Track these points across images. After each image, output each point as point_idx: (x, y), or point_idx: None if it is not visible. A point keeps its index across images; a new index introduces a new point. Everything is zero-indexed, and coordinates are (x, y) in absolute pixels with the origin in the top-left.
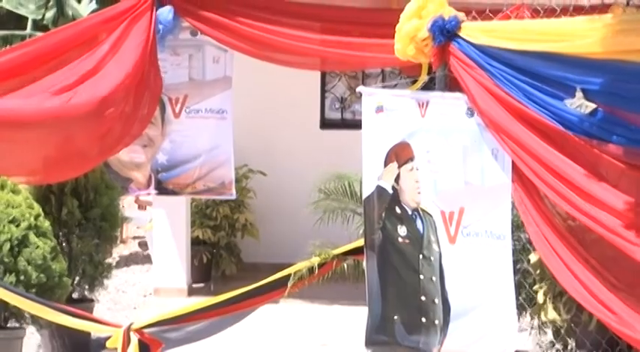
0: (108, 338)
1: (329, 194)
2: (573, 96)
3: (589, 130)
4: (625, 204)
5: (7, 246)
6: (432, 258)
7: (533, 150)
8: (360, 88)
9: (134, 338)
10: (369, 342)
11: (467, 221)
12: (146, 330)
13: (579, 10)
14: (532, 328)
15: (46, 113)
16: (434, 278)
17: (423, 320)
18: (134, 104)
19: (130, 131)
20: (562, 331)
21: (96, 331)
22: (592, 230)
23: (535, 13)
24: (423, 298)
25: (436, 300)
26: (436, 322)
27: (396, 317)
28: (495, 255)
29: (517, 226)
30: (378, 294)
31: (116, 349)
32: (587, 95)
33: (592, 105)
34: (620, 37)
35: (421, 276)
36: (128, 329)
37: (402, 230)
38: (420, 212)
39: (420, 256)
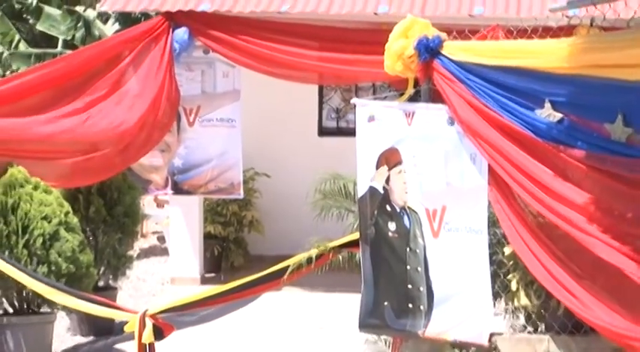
0: (126, 323)
1: (326, 194)
2: (542, 106)
3: (556, 137)
4: (587, 202)
5: (40, 240)
6: (417, 251)
7: (508, 155)
8: (354, 100)
9: (149, 323)
10: (362, 325)
11: (448, 218)
12: (160, 316)
13: (548, 30)
14: (506, 312)
15: (74, 133)
16: (419, 269)
17: (410, 305)
18: (154, 114)
19: (150, 139)
20: (533, 315)
21: (114, 317)
22: (559, 226)
23: (509, 33)
24: (409, 286)
25: (421, 288)
26: (421, 307)
27: (386, 303)
28: (473, 247)
29: (493, 222)
30: (370, 282)
31: (133, 333)
32: (555, 106)
33: (559, 115)
34: (585, 55)
35: (408, 267)
36: (144, 315)
37: (391, 225)
38: (408, 210)
39: (407, 249)
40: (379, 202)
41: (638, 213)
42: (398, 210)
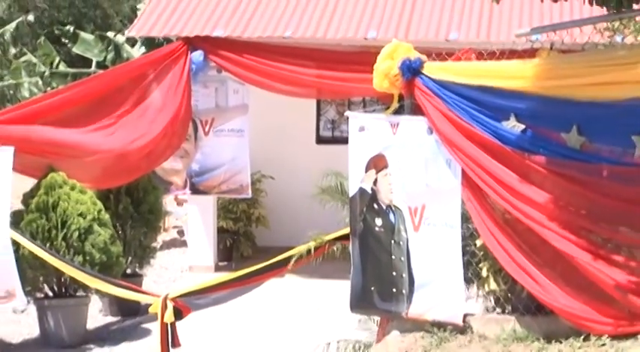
0: (149, 305)
1: (324, 189)
2: (508, 118)
3: (520, 145)
4: (547, 201)
5: (76, 233)
6: (401, 243)
7: (478, 161)
8: (347, 113)
9: (170, 305)
10: (352, 307)
11: (427, 214)
12: (179, 299)
13: (514, 53)
14: (478, 296)
15: (105, 141)
16: (402, 258)
17: (394, 290)
18: (173, 125)
19: (170, 146)
20: (501, 299)
21: (140, 300)
22: (523, 222)
23: (480, 55)
24: (393, 273)
25: (403, 275)
26: (403, 292)
27: (373, 288)
28: (448, 240)
29: (466, 218)
30: (359, 270)
31: (156, 314)
32: (519, 118)
33: (522, 126)
34: (545, 74)
35: (393, 257)
36: (165, 299)
37: (378, 221)
38: (392, 207)
39: (392, 241)
40: (368, 201)
41: (590, 210)
42: (384, 208)
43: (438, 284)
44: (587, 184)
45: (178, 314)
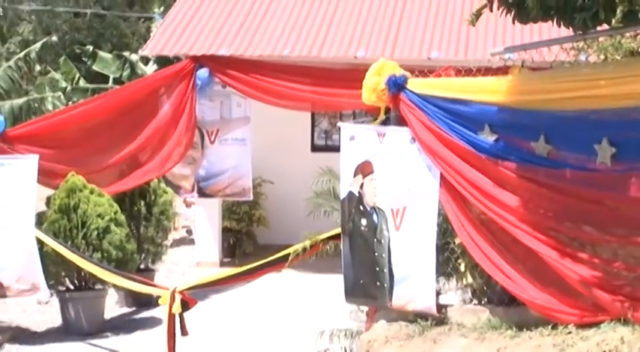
0: (159, 297)
1: (319, 193)
2: (483, 129)
3: (494, 153)
4: (518, 204)
5: (95, 233)
6: (382, 241)
7: (456, 167)
8: (339, 124)
9: (177, 298)
10: (347, 297)
11: (408, 215)
12: (187, 292)
13: (489, 70)
14: (457, 289)
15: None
16: (384, 255)
17: (378, 283)
18: (181, 134)
19: (178, 153)
20: (477, 291)
21: (152, 293)
22: (496, 222)
23: (458, 72)
24: (377, 269)
25: (385, 270)
26: (385, 285)
27: (362, 281)
28: (425, 239)
29: (444, 219)
30: (349, 266)
31: (165, 305)
32: (493, 128)
33: (495, 136)
34: (516, 89)
35: (376, 254)
36: (174, 291)
37: (364, 221)
38: (376, 209)
39: (375, 240)
40: (355, 203)
41: (556, 211)
42: (369, 209)
43: (415, 279)
44: (553, 188)
45: (185, 305)
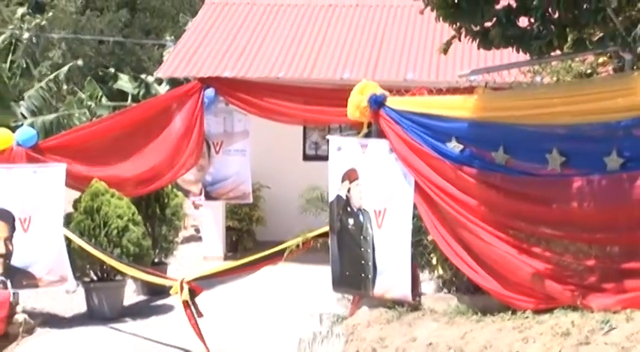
0: (171, 287)
1: (308, 199)
2: (450, 141)
3: (460, 161)
4: (479, 205)
5: (115, 231)
6: (368, 238)
7: (427, 174)
8: (328, 136)
9: (185, 287)
10: (335, 286)
11: (388, 215)
12: (193, 282)
13: (456, 90)
14: (430, 280)
15: (138, 159)
16: (368, 250)
17: (362, 275)
18: (189, 145)
19: (188, 162)
20: (447, 282)
21: (164, 283)
22: (461, 221)
23: (430, 91)
24: (362, 262)
25: (370, 263)
26: (369, 276)
27: (347, 273)
28: (402, 236)
29: (418, 219)
30: (336, 259)
31: (176, 293)
32: (459, 140)
33: (461, 146)
34: (480, 107)
35: (361, 249)
36: (182, 282)
37: (350, 221)
38: (362, 210)
39: (362, 237)
40: (343, 205)
41: (513, 212)
42: (355, 211)
43: (393, 271)
44: (511, 192)
45: (192, 293)
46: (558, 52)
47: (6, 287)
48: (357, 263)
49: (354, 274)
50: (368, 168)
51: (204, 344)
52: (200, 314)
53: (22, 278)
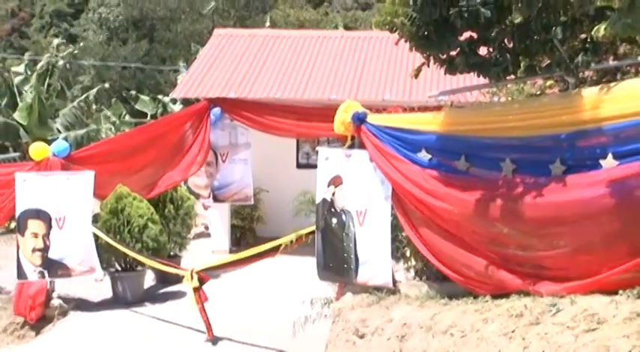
0: (183, 276)
1: (300, 202)
2: (420, 151)
3: (430, 168)
4: (446, 208)
5: (137, 229)
6: (349, 234)
7: (401, 181)
8: (317, 148)
9: (195, 276)
10: (319, 277)
11: (368, 215)
12: (202, 272)
13: (426, 108)
14: (405, 270)
15: (156, 168)
16: (351, 245)
17: (345, 266)
18: (198, 155)
19: (197, 169)
20: (419, 271)
21: (177, 273)
22: (432, 220)
23: (404, 110)
24: (345, 255)
25: (352, 256)
26: (352, 267)
27: (331, 265)
28: (381, 233)
29: (395, 217)
30: (321, 253)
31: (187, 281)
32: (428, 150)
33: (430, 156)
34: (446, 122)
35: (344, 244)
36: (192, 271)
37: (334, 220)
38: (344, 211)
39: (344, 234)
40: (327, 207)
41: (474, 211)
42: (339, 211)
43: (375, 262)
44: (471, 194)
45: (201, 281)
46: (513, 76)
47: (44, 277)
48: (340, 256)
49: (336, 265)
50: (351, 175)
51: (209, 325)
52: (205, 299)
53: (57, 268)
